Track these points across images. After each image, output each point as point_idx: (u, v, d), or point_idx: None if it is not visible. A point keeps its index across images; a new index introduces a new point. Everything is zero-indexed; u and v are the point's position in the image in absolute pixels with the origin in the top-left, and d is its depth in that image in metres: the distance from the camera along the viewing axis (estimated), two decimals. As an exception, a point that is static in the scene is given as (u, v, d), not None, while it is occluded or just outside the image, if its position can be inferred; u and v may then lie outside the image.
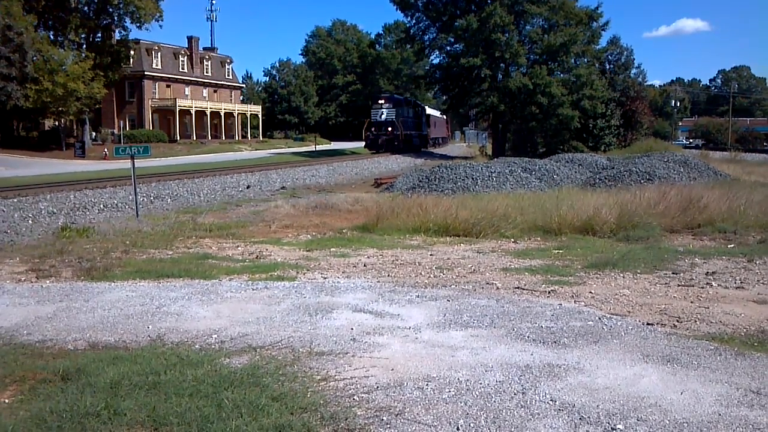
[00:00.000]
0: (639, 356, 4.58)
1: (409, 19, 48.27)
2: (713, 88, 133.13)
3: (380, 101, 46.62)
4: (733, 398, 3.85)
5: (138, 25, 45.61)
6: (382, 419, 3.54)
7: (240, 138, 67.63)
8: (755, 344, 4.87)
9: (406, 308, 5.93)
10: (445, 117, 73.21)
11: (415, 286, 6.92)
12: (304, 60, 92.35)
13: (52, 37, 44.49)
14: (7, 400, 3.84)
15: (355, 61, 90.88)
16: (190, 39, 66.29)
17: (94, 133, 50.40)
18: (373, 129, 45.29)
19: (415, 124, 52.28)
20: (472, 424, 3.49)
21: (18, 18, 36.77)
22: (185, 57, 64.96)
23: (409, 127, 48.99)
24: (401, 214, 11.74)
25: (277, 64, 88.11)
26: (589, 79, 42.83)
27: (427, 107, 64.66)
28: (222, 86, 70.96)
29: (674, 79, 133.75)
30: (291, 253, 9.23)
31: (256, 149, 57.26)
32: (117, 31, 47.90)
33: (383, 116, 44.66)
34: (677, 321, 5.51)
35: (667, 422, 3.51)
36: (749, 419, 3.56)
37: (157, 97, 60.22)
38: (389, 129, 44.36)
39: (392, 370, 4.32)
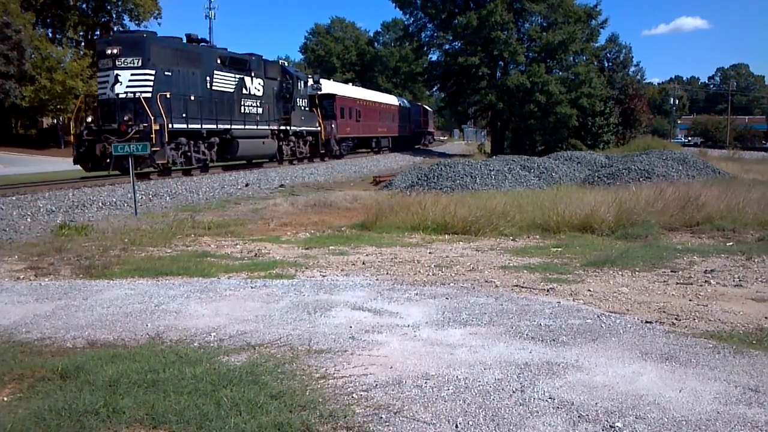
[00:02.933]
0: (637, 354, 4.58)
1: (407, 17, 48.19)
2: (712, 86, 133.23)
3: (110, 50, 18.06)
4: (731, 396, 3.85)
5: (137, 22, 45.67)
6: (381, 417, 3.54)
7: (239, 136, 67.43)
8: (754, 342, 4.87)
9: (405, 306, 5.93)
10: (408, 105, 51.25)
11: (414, 284, 6.92)
12: (302, 58, 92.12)
13: (50, 34, 44.53)
14: (5, 398, 3.84)
15: (354, 59, 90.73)
16: (189, 37, 66.23)
17: (92, 131, 50.29)
18: (92, 122, 18.58)
19: (275, 111, 25.60)
20: (470, 422, 3.49)
21: (16, 15, 36.75)
22: (184, 55, 64.86)
23: (237, 116, 22.61)
24: (400, 212, 11.73)
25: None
26: (588, 77, 42.80)
27: (348, 85, 42.08)
28: (220, 84, 70.76)
29: (673, 77, 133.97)
30: (290, 251, 9.23)
31: (255, 147, 56.94)
32: (116, 28, 47.86)
33: (119, 88, 17.98)
34: (676, 319, 5.52)
35: (666, 420, 3.51)
36: (747, 417, 3.56)
37: (155, 94, 60.06)
38: (127, 118, 17.60)
39: (391, 368, 4.32)
